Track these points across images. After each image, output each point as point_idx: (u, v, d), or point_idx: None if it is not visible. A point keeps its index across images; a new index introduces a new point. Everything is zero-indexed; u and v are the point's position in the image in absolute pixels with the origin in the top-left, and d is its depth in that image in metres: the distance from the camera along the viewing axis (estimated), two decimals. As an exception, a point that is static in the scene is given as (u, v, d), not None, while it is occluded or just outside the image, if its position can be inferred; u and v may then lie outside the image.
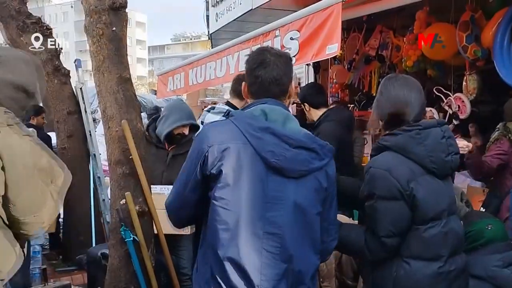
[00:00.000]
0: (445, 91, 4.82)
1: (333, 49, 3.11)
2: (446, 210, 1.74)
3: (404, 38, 5.08)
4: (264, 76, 1.69)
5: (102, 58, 2.50)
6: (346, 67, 6.00)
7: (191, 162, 1.62)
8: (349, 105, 6.13)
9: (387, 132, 1.80)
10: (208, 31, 7.86)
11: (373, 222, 1.72)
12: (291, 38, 3.55)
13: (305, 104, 3.54)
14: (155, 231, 2.56)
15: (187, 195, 1.64)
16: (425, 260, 1.70)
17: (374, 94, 5.86)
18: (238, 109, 3.70)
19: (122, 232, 2.42)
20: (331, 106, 3.56)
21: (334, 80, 6.28)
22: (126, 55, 2.61)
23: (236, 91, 3.51)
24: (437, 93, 4.84)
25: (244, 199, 1.56)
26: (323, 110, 3.47)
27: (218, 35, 7.80)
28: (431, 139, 1.69)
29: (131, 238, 2.43)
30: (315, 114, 3.49)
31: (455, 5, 4.45)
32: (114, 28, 2.51)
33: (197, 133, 1.71)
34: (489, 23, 4.08)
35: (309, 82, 6.65)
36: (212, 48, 7.65)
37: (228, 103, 3.62)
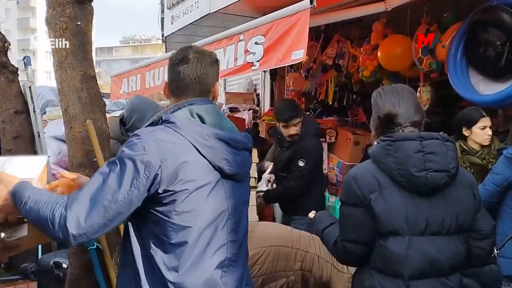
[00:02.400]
0: (400, 101, 4.98)
1: (299, 55, 3.10)
2: (416, 228, 1.65)
3: (361, 49, 5.21)
4: (186, 72, 1.60)
5: (65, 53, 2.34)
6: (303, 75, 6.06)
7: (129, 174, 1.39)
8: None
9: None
10: (163, 34, 7.69)
11: (340, 226, 1.79)
12: (256, 43, 3.52)
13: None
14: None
15: (120, 210, 1.40)
16: (386, 275, 1.67)
17: (330, 103, 5.99)
18: None
19: (85, 240, 2.27)
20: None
21: (291, 88, 6.33)
22: (91, 51, 2.47)
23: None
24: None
25: (208, 213, 1.50)
26: None
27: (172, 38, 7.66)
28: (402, 152, 1.66)
29: (94, 246, 2.27)
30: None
31: (411, 18, 4.62)
32: (79, 22, 2.36)
33: (133, 138, 1.47)
34: (444, 37, 4.27)
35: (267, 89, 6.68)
36: (166, 51, 7.50)
37: None
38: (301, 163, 3.60)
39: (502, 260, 2.60)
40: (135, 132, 1.50)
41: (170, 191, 1.44)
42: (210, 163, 1.50)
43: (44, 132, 4.42)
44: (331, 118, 5.90)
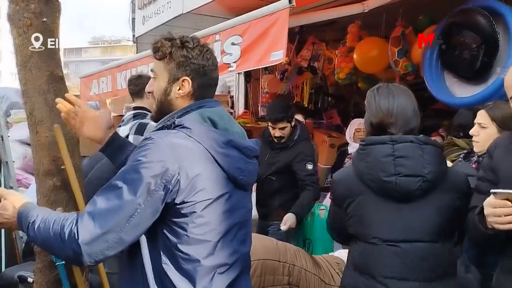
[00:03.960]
0: (375, 103, 4.98)
1: (278, 56, 3.02)
2: (393, 235, 1.62)
3: (337, 51, 5.19)
4: (213, 76, 1.54)
5: (29, 52, 2.17)
6: (278, 77, 6.01)
7: (144, 184, 1.29)
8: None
9: None
10: (133, 35, 7.51)
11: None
12: (233, 43, 3.43)
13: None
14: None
15: (136, 223, 1.30)
16: (362, 272, 1.69)
17: (305, 105, 5.96)
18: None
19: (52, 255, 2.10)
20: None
21: (265, 90, 6.26)
22: (59, 50, 2.30)
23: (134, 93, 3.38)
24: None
25: (222, 224, 1.40)
26: None
27: (143, 39, 7.49)
28: (373, 156, 1.62)
29: (63, 262, 2.10)
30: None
31: (386, 21, 4.62)
32: (45, 19, 2.19)
33: (147, 142, 1.35)
34: (419, 39, 4.28)
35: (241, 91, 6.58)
36: (137, 52, 7.31)
37: (138, 108, 3.37)
38: (309, 166, 3.57)
39: None
40: (148, 135, 1.39)
41: (189, 201, 1.33)
42: (226, 172, 1.40)
43: (9, 136, 4.22)
44: (306, 121, 5.85)
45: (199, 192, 1.34)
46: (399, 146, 1.61)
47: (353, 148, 4.25)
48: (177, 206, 1.33)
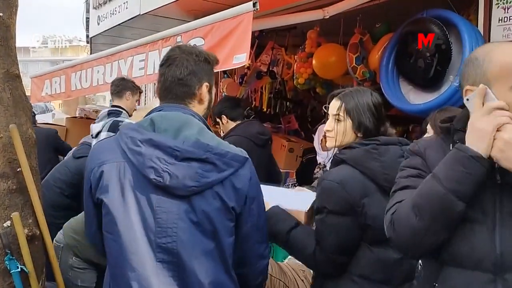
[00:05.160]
0: (333, 109, 5.07)
1: (241, 59, 3.02)
2: None
3: (296, 56, 5.25)
4: (167, 74, 1.51)
5: (-17, 48, 2.05)
6: (237, 81, 6.00)
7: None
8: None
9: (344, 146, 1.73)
10: (88, 35, 7.28)
11: (322, 237, 1.63)
12: (195, 45, 3.38)
13: (223, 117, 3.39)
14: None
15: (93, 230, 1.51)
16: (374, 282, 1.61)
17: (264, 109, 5.98)
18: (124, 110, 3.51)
19: (7, 262, 1.97)
20: (244, 120, 3.44)
21: (224, 94, 6.23)
22: (15, 47, 2.18)
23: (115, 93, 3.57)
24: (326, 111, 5.05)
25: (132, 228, 1.35)
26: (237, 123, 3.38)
27: (97, 39, 7.29)
28: (389, 156, 1.62)
29: (19, 269, 1.99)
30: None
31: (344, 28, 4.73)
32: (0, 14, 2.08)
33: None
34: (376, 47, 4.41)
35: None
36: (91, 53, 7.10)
37: (114, 107, 3.54)
38: None
39: None
40: None
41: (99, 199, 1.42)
42: (137, 169, 1.38)
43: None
44: (265, 125, 5.88)
45: (105, 187, 1.40)
46: (405, 147, 1.63)
47: (321, 158, 4.14)
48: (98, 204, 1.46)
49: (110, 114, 3.41)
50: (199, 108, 1.55)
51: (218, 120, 3.47)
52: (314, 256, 1.65)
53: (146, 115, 1.50)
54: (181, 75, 1.50)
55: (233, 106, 3.44)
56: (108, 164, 1.40)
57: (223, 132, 3.47)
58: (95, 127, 3.39)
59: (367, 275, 1.61)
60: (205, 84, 1.54)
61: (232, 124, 3.38)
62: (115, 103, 3.55)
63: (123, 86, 3.53)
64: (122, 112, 3.44)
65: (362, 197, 1.59)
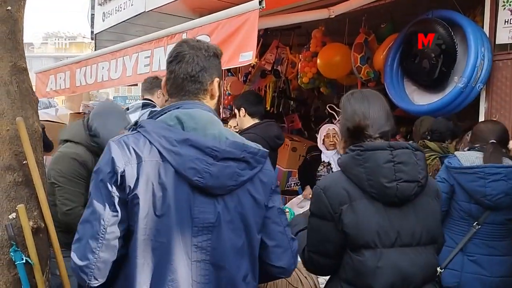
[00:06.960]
0: (337, 109, 5.07)
1: (247, 57, 3.01)
2: (388, 240, 1.60)
3: (300, 55, 5.26)
4: (178, 71, 1.48)
5: (-9, 41, 2.06)
6: (241, 80, 6.00)
7: (102, 185, 1.34)
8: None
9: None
10: (92, 31, 7.30)
11: (308, 237, 1.71)
12: (200, 40, 3.39)
13: (241, 109, 3.40)
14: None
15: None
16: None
17: (268, 108, 5.98)
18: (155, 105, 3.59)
19: (12, 254, 1.98)
20: (265, 120, 3.44)
21: (228, 92, 6.24)
22: (22, 41, 2.19)
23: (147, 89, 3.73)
24: (330, 111, 5.07)
25: (170, 227, 1.35)
26: (255, 121, 3.38)
27: (102, 35, 7.30)
28: (372, 162, 1.60)
29: (23, 261, 2.00)
30: (248, 122, 3.38)
31: (349, 28, 4.73)
32: (9, 7, 2.09)
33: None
34: (381, 47, 4.42)
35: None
36: (96, 49, 7.12)
37: (146, 99, 3.71)
38: None
39: (447, 272, 2.65)
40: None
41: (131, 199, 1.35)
42: (175, 170, 1.35)
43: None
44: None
45: (142, 187, 1.35)
46: (397, 152, 1.62)
47: (326, 156, 4.16)
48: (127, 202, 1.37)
49: (144, 105, 3.59)
50: (211, 103, 1.55)
51: (236, 111, 3.51)
52: (303, 254, 1.73)
53: (158, 113, 1.46)
54: (193, 71, 1.47)
55: (255, 102, 3.46)
56: (145, 162, 1.35)
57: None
58: (131, 118, 3.32)
59: (350, 280, 1.63)
60: (216, 79, 1.53)
61: (248, 119, 3.39)
62: (146, 97, 3.74)
63: (155, 84, 3.69)
64: (154, 103, 3.64)
65: (342, 204, 1.60)
